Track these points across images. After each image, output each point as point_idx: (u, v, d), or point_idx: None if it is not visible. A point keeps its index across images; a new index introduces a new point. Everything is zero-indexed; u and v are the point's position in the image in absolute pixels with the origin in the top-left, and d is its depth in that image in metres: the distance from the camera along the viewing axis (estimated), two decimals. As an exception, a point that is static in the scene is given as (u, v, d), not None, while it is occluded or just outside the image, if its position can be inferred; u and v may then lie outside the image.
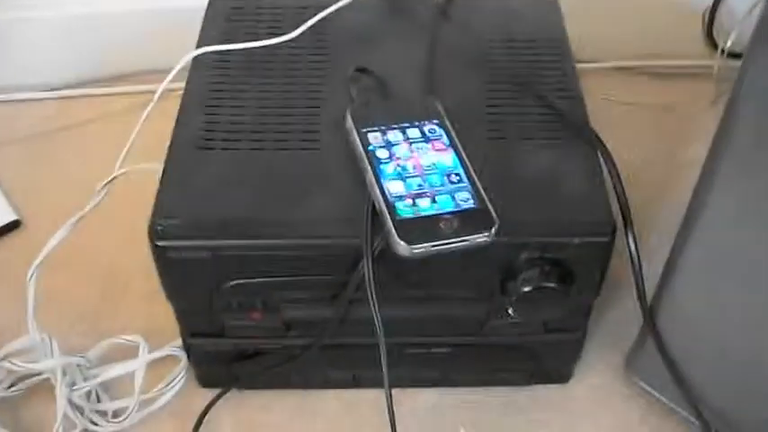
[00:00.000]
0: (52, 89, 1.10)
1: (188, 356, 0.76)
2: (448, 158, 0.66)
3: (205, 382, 0.79)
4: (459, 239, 0.60)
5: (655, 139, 1.04)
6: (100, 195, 0.78)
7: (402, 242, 0.60)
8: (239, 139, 0.71)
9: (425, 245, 0.60)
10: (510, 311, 0.67)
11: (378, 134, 0.67)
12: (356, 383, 0.78)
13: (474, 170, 0.65)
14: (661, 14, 1.09)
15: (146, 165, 0.73)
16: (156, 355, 0.76)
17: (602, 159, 0.69)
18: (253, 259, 0.65)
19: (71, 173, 0.99)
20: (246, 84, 0.77)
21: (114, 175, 0.78)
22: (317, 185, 0.67)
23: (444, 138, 0.67)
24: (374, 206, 0.63)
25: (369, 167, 0.64)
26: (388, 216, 0.61)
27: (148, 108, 0.79)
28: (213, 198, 0.67)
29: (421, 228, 0.61)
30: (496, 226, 0.61)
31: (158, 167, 0.69)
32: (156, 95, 0.80)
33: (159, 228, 0.64)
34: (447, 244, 0.60)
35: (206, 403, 0.76)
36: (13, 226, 0.94)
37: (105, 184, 0.78)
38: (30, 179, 0.99)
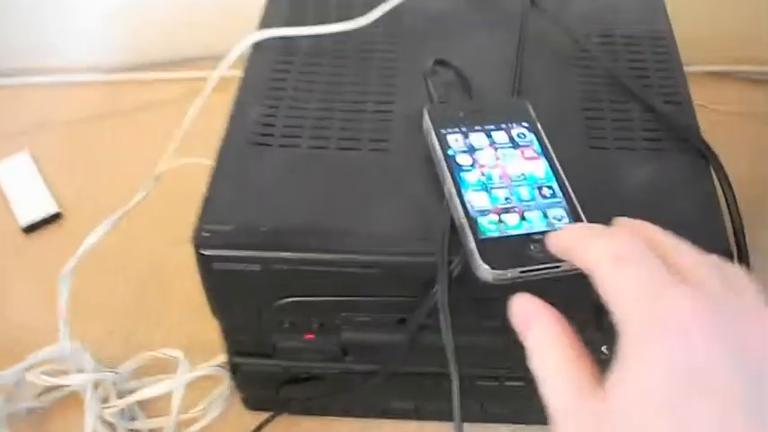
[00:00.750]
0: (101, 72, 1.03)
1: (233, 376, 0.68)
2: (539, 168, 0.57)
3: (251, 404, 0.71)
4: (551, 265, 0.51)
5: (754, 151, 0.93)
6: (145, 191, 0.71)
7: (484, 265, 0.51)
8: (300, 135, 0.63)
9: (512, 270, 0.51)
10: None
11: (459, 137, 0.58)
12: (418, 415, 0.69)
13: (569, 183, 0.56)
14: (755, 14, 0.99)
15: (196, 159, 0.65)
16: (198, 373, 0.68)
17: (714, 176, 0.60)
18: (310, 275, 0.57)
19: (117, 164, 0.91)
20: (311, 73, 0.69)
21: (161, 169, 0.71)
22: (386, 193, 0.59)
23: (535, 144, 0.58)
24: (452, 220, 0.55)
25: (448, 175, 0.56)
26: (470, 233, 0.53)
27: (202, 96, 0.72)
28: (268, 202, 0.59)
29: (507, 249, 0.52)
30: None
31: (210, 163, 0.61)
32: (210, 83, 0.72)
33: (205, 234, 0.57)
34: (537, 270, 0.51)
35: (251, 428, 0.68)
36: (53, 219, 0.87)
37: (152, 180, 0.71)
38: (73, 169, 0.92)
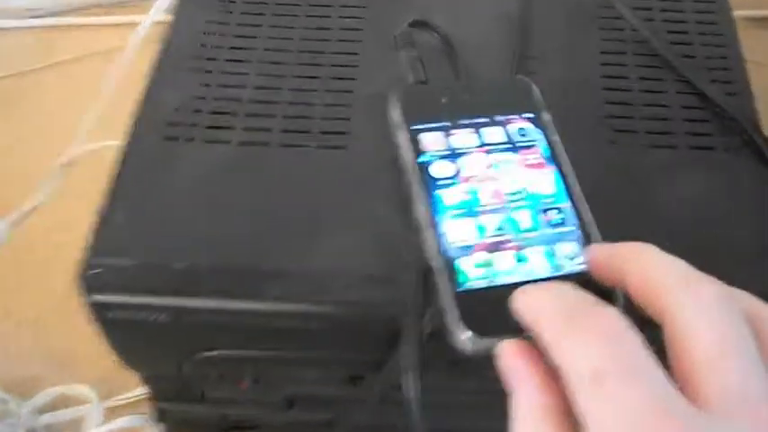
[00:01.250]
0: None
1: (160, 420, 0.54)
2: (546, 181, 0.41)
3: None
4: None
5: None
6: (45, 191, 0.56)
7: (463, 331, 0.36)
8: (232, 126, 0.48)
9: (501, 338, 0.36)
10: None
11: (438, 135, 0.42)
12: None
13: (586, 202, 0.40)
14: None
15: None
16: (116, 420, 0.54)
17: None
18: (236, 327, 0.43)
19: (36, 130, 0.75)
20: (250, 38, 0.53)
21: (64, 161, 0.56)
22: (339, 213, 0.44)
23: (542, 145, 0.42)
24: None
25: (418, 192, 0.39)
26: (445, 282, 0.37)
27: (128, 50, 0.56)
28: (180, 226, 0.44)
29: (496, 307, 0.37)
30: (621, 304, 0.37)
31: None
32: (135, 38, 0.57)
33: (95, 272, 0.42)
34: None
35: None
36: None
37: (55, 174, 0.56)
38: None
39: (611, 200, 0.43)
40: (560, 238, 0.39)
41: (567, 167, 0.41)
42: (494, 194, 0.40)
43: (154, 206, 0.45)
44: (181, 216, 0.44)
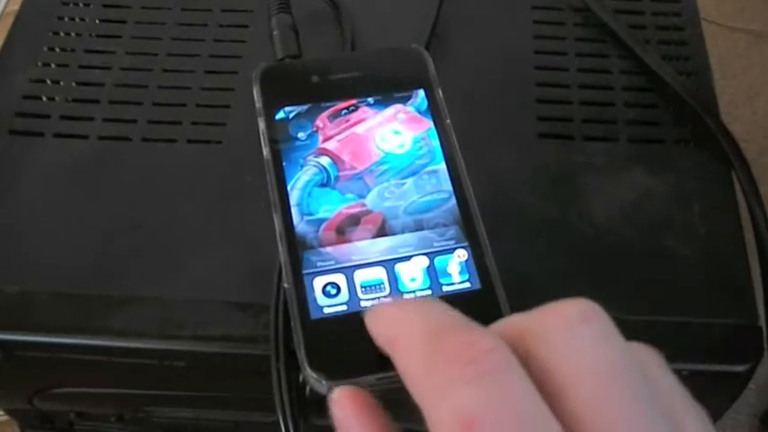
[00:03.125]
0: None
1: None
2: (429, 180, 0.33)
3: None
4: None
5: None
6: None
7: (313, 374, 0.29)
8: (92, 117, 0.40)
9: (359, 380, 0.29)
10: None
11: (300, 123, 0.35)
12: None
13: (478, 208, 0.32)
14: None
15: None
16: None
17: (741, 190, 0.37)
18: (80, 363, 0.35)
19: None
20: (123, 6, 0.45)
21: None
22: (205, 223, 0.37)
23: (430, 136, 0.35)
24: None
25: (273, 195, 0.32)
26: (295, 311, 0.30)
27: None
28: (16, 244, 0.36)
29: (353, 339, 0.30)
30: None
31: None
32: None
33: None
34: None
35: None
36: None
37: None
38: None
39: (533, 205, 0.36)
40: (441, 251, 0.32)
41: (459, 167, 0.33)
42: (359, 195, 0.33)
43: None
44: (19, 231, 0.37)
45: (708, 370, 0.33)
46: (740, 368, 0.33)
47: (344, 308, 0.30)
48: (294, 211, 0.32)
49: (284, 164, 0.33)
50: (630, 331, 0.32)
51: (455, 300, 0.30)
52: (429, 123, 0.34)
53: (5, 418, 0.48)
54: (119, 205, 0.37)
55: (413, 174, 0.33)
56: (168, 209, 0.37)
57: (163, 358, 0.35)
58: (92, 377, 0.37)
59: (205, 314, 0.34)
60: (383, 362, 0.29)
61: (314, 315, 0.30)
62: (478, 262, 0.31)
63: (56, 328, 0.35)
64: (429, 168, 0.33)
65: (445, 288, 0.31)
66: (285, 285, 0.31)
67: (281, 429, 0.33)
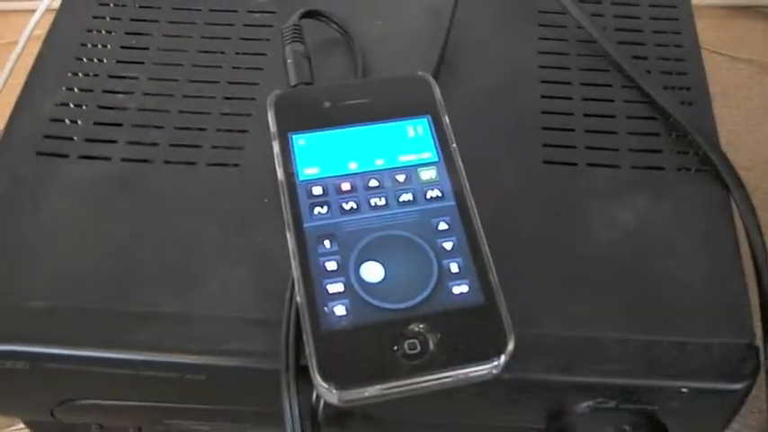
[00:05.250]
0: None
1: None
2: (433, 205, 0.35)
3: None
4: (436, 374, 0.31)
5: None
6: None
7: (324, 384, 0.30)
8: (115, 140, 0.42)
9: (369, 389, 0.31)
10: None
11: (311, 147, 0.37)
12: None
13: (482, 229, 0.34)
14: None
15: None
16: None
17: (744, 223, 0.39)
18: (102, 376, 0.37)
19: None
20: (145, 34, 0.47)
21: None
22: (224, 242, 0.38)
23: (432, 151, 0.37)
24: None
25: (287, 214, 0.35)
26: (307, 323, 0.32)
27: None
28: (42, 261, 0.38)
29: (363, 350, 0.31)
30: (510, 348, 0.31)
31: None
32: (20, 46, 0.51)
33: None
34: (411, 384, 0.31)
35: None
36: None
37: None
38: None
39: (537, 227, 0.37)
40: (444, 262, 0.33)
41: (463, 186, 0.35)
42: (369, 216, 0.35)
43: (14, 236, 0.39)
44: (44, 248, 0.38)
45: (706, 388, 0.35)
46: (738, 386, 0.34)
47: (354, 320, 0.32)
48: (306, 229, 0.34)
49: (292, 186, 0.35)
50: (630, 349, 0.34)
51: (460, 313, 0.32)
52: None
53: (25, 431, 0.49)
54: (140, 224, 0.39)
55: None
56: (188, 228, 0.39)
57: (183, 372, 0.36)
58: (113, 390, 0.38)
59: (223, 329, 0.36)
60: (391, 372, 0.31)
61: (324, 327, 0.32)
62: (483, 278, 0.33)
63: (79, 342, 0.36)
64: (435, 193, 0.35)
65: (452, 301, 0.32)
66: (297, 299, 0.32)
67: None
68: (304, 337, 0.32)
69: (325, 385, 0.31)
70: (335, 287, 0.33)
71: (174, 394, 0.38)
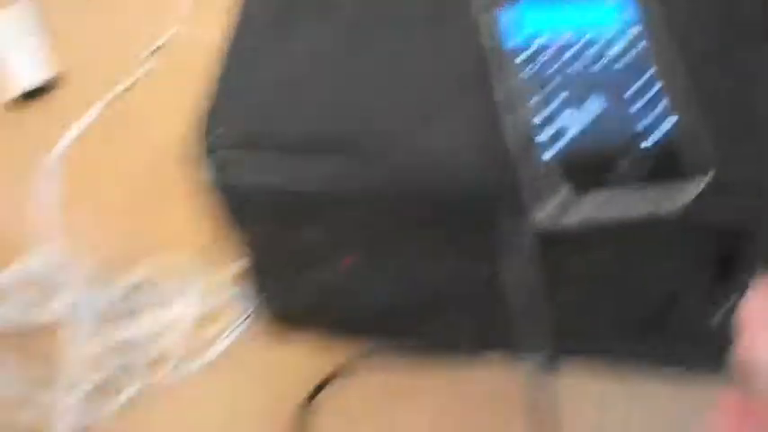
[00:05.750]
0: None
1: (257, 292, 0.55)
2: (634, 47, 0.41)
3: (278, 323, 0.57)
4: (647, 194, 0.37)
5: None
6: (147, 65, 0.57)
7: (546, 203, 0.37)
8: (341, 4, 0.48)
9: (584, 207, 0.37)
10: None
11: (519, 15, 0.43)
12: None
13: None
14: None
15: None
16: (213, 287, 0.56)
17: None
18: (346, 196, 0.43)
19: (129, 22, 0.75)
20: None
21: (163, 41, 0.57)
22: (442, 88, 0.44)
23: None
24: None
25: (498, 72, 0.41)
26: (528, 153, 0.38)
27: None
28: (297, 98, 0.45)
29: (582, 171, 0.37)
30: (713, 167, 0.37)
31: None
32: None
33: (216, 136, 0.43)
34: (624, 204, 0.37)
35: (275, 353, 0.56)
36: (51, 86, 0.73)
37: (153, 52, 0.57)
38: (79, 28, 0.75)
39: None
40: (649, 104, 0.39)
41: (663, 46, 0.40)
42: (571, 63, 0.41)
43: (266, 78, 0.45)
44: (291, 89, 0.45)
45: None
46: None
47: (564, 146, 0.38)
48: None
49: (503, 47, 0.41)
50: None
51: (667, 146, 0.37)
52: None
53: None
54: (363, 77, 0.45)
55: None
56: (406, 79, 0.44)
57: (404, 184, 0.42)
58: (346, 210, 0.44)
59: (454, 157, 0.42)
60: (603, 190, 0.36)
61: (542, 156, 0.37)
62: (685, 115, 0.38)
63: (330, 163, 0.42)
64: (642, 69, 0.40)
65: (659, 134, 0.38)
66: (517, 140, 0.38)
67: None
68: (523, 167, 0.38)
69: (548, 203, 0.37)
70: (550, 127, 0.38)
71: (403, 219, 0.44)
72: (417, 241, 0.46)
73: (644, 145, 0.38)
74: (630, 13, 0.42)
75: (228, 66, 0.46)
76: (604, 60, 0.41)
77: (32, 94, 0.72)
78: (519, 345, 0.44)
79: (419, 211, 0.43)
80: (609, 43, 0.41)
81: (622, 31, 0.42)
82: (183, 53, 0.60)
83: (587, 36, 0.42)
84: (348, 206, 0.44)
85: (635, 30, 0.42)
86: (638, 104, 0.39)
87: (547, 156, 0.37)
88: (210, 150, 0.43)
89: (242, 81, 0.45)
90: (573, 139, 0.38)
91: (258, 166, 0.43)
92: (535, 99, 0.39)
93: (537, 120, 0.39)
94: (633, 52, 0.41)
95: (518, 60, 0.41)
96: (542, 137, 0.38)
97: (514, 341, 0.44)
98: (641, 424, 0.52)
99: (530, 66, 0.41)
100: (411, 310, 0.51)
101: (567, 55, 0.41)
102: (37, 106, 0.70)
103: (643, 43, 0.41)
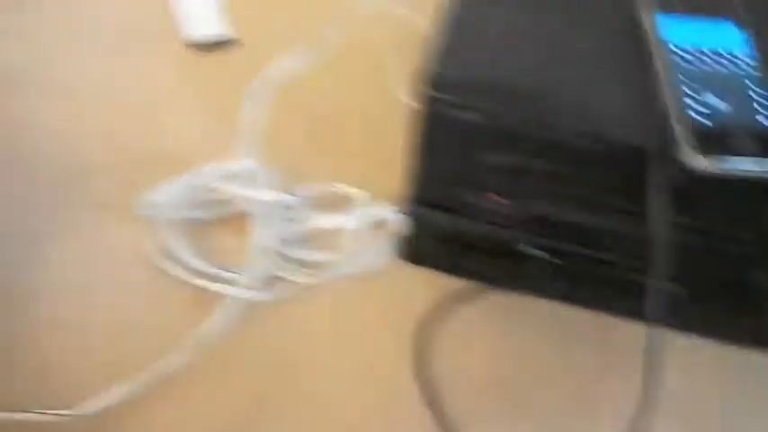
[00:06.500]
0: None
1: (411, 226, 0.66)
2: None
3: (418, 258, 0.69)
4: None
5: None
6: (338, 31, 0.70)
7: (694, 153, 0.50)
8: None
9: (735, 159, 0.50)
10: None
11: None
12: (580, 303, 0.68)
13: None
14: None
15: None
16: (374, 213, 0.68)
17: None
18: (530, 138, 0.56)
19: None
20: None
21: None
22: (614, 63, 0.58)
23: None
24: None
25: (658, 63, 0.55)
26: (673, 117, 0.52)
27: None
28: (502, 55, 0.58)
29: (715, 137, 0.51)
30: None
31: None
32: None
33: (436, 76, 0.56)
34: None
35: (421, 284, 0.68)
36: (226, 44, 0.84)
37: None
38: None
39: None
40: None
41: None
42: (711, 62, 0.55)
43: (477, 35, 0.58)
44: (498, 47, 0.58)
45: None
46: None
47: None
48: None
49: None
50: None
51: None
52: None
53: (390, 216, 0.68)
54: (553, 50, 0.58)
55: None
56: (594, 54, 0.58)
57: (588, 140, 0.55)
58: (527, 149, 0.57)
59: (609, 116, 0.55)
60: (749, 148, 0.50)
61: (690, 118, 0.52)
62: None
63: (526, 108, 0.55)
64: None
65: None
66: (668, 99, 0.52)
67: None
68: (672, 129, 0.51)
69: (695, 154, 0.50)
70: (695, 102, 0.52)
71: (558, 159, 0.57)
72: (579, 187, 0.58)
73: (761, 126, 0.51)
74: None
75: (452, 28, 0.58)
76: (734, 67, 0.55)
77: (209, 48, 0.83)
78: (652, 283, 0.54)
79: (591, 155, 0.55)
80: (738, 58, 0.55)
81: (748, 54, 0.56)
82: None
83: (722, 47, 0.56)
84: (532, 149, 0.56)
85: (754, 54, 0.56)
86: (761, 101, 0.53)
87: (692, 122, 0.51)
88: (432, 86, 0.55)
89: (462, 40, 0.58)
90: (710, 115, 0.52)
91: (465, 105, 0.55)
92: (685, 80, 0.53)
93: (686, 98, 0.52)
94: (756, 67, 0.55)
95: (674, 50, 0.55)
96: (689, 110, 0.52)
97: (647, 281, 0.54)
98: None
99: (680, 57, 0.55)
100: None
101: (709, 55, 0.55)
102: (219, 57, 0.83)
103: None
